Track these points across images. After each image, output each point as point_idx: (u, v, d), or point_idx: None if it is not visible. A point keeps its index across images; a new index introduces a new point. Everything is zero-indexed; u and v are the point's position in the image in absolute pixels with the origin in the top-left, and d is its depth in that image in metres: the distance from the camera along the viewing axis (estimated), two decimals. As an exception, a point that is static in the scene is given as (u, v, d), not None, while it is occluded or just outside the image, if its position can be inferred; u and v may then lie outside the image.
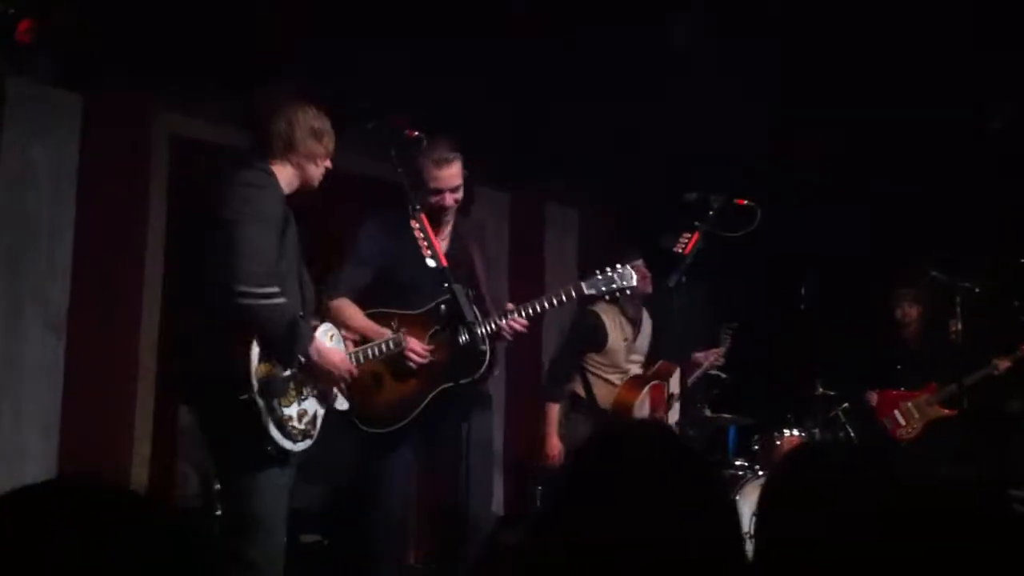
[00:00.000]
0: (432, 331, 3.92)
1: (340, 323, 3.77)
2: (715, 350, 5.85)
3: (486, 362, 3.85)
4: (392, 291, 3.97)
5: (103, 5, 4.98)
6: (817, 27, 5.52)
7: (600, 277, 3.90)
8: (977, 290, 5.29)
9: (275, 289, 3.19)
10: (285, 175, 3.41)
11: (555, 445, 5.06)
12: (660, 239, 4.56)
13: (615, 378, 5.27)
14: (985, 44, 5.54)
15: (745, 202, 4.42)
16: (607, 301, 4.65)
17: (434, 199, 4.03)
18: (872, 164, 6.58)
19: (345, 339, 3.64)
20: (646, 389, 5.23)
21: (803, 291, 6.29)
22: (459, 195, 4.08)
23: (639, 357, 5.42)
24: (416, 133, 3.94)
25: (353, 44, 5.36)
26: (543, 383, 5.42)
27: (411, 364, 3.89)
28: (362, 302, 3.99)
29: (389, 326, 3.92)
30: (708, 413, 6.45)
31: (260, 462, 3.26)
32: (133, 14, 5.03)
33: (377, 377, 3.97)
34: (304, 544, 5.24)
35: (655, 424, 2.37)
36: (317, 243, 3.96)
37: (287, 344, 3.24)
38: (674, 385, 5.38)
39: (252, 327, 3.17)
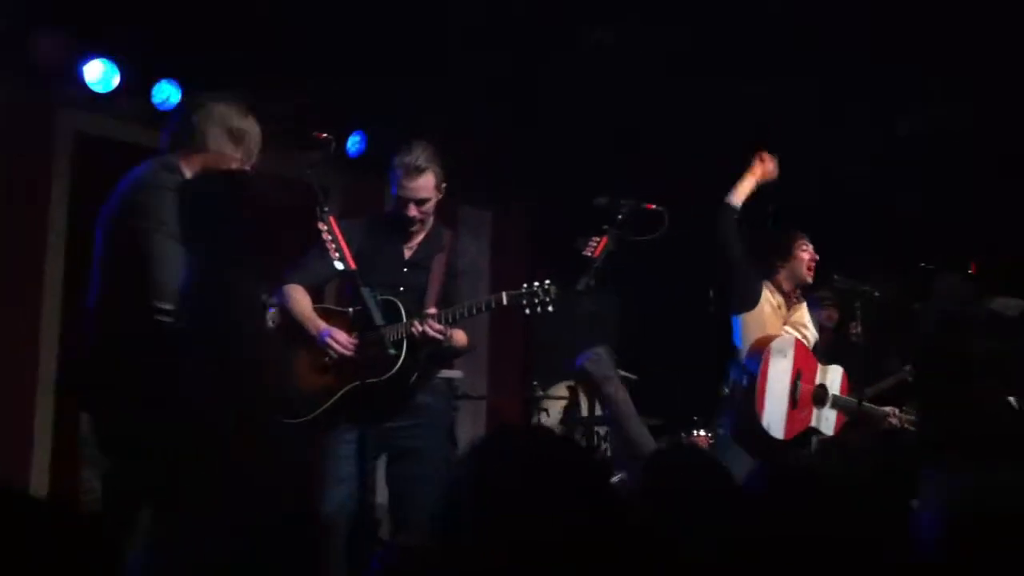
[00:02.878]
0: (358, 331, 3.92)
1: (284, 309, 3.92)
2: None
3: (396, 365, 3.84)
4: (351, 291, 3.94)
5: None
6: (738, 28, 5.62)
7: (524, 291, 3.92)
8: (877, 294, 5.40)
9: None
10: (188, 171, 3.27)
11: None
12: (572, 243, 4.58)
13: None
14: (891, 53, 5.70)
15: (654, 207, 4.47)
16: None
17: (400, 208, 4.04)
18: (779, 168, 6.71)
19: None
20: (794, 342, 4.91)
21: (711, 293, 6.37)
22: (427, 208, 4.05)
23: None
24: (325, 135, 3.92)
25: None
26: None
27: (331, 353, 3.92)
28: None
29: (336, 322, 3.97)
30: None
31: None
32: (37, 6, 4.93)
33: (299, 366, 3.99)
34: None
35: (536, 427, 2.39)
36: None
37: None
38: (833, 384, 5.06)
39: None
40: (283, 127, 5.53)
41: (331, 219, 3.73)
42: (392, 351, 3.74)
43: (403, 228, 4.12)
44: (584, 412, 6.60)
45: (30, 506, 1.31)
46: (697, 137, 6.45)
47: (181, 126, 3.33)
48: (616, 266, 4.36)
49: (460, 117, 6.17)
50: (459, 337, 4.04)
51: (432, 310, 3.92)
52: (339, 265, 3.68)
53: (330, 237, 3.71)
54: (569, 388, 7.06)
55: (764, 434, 4.70)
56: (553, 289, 3.89)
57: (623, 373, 6.73)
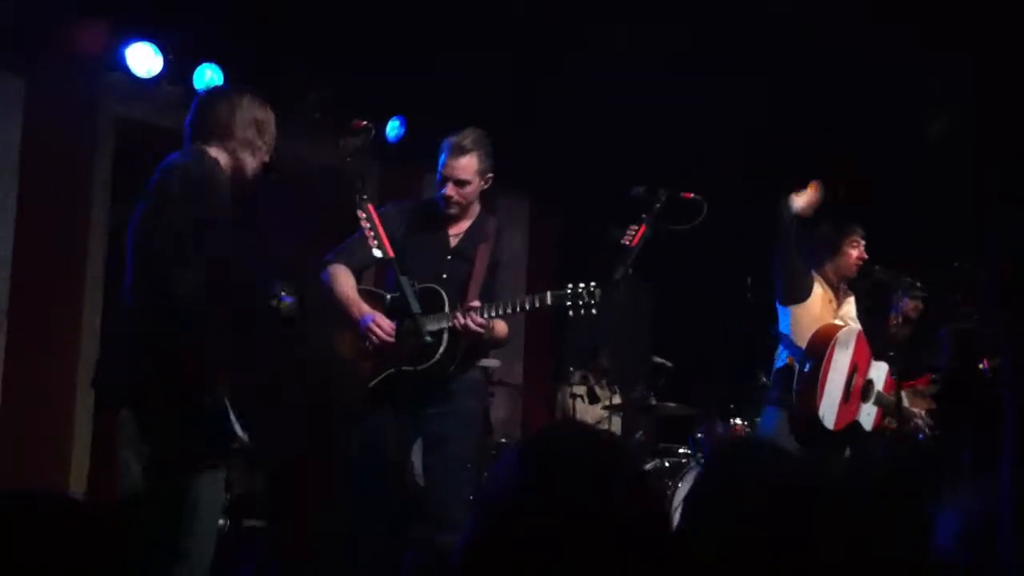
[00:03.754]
0: (396, 319, 3.91)
1: (327, 289, 3.93)
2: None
3: (436, 356, 3.83)
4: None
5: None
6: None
7: (568, 291, 3.90)
8: (919, 284, 5.34)
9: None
10: (221, 161, 3.30)
11: None
12: (609, 232, 4.57)
13: None
14: (921, 50, 5.64)
15: (692, 196, 4.44)
16: None
17: (439, 186, 4.03)
18: (816, 156, 6.66)
19: None
20: (857, 334, 4.87)
21: (749, 281, 6.33)
22: (464, 190, 3.99)
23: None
24: (364, 123, 3.93)
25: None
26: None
27: (372, 338, 3.88)
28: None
29: (375, 305, 3.95)
30: (654, 402, 6.53)
31: (211, 457, 3.25)
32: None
33: (345, 351, 3.99)
34: (248, 528, 5.24)
35: (581, 424, 2.38)
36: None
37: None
38: (878, 379, 4.99)
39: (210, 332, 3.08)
40: (322, 114, 5.60)
41: (369, 207, 3.74)
42: (428, 339, 3.73)
43: (443, 212, 4.09)
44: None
45: (30, 505, 1.32)
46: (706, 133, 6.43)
47: (206, 116, 3.34)
48: (650, 254, 4.35)
49: (497, 102, 6.18)
50: (500, 329, 4.00)
51: (475, 303, 3.87)
52: (377, 253, 3.70)
53: (368, 225, 3.72)
54: (582, 377, 7.15)
55: (817, 423, 4.66)
56: (598, 292, 3.85)
57: (659, 360, 6.75)
